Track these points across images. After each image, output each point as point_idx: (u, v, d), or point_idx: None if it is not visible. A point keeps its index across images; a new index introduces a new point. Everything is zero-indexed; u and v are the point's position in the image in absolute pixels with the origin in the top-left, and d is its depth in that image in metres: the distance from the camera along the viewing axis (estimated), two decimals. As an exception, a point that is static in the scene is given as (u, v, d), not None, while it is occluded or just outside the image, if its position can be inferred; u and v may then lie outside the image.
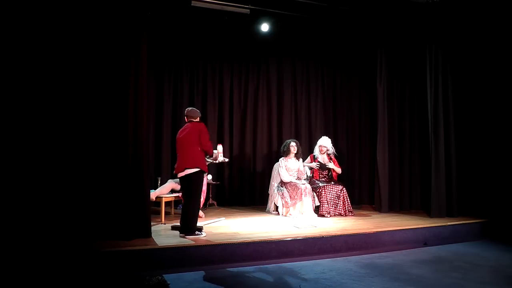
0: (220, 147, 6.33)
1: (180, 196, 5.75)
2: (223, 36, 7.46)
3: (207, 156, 5.30)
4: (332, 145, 7.06)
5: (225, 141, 7.60)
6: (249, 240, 4.72)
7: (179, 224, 5.03)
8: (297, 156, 6.78)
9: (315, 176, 6.91)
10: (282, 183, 6.67)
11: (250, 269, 4.35)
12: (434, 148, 6.40)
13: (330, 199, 6.46)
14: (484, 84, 6.47)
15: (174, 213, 6.39)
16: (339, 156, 7.39)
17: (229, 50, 7.63)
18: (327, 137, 7.03)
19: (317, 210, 6.50)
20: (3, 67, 4.28)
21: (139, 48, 4.83)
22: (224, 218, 6.15)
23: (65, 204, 4.43)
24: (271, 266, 4.46)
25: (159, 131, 7.23)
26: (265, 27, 6.99)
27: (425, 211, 6.78)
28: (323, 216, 6.34)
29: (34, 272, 3.82)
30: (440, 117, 6.42)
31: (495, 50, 6.31)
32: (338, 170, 6.95)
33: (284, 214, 6.45)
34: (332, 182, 6.76)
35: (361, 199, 7.91)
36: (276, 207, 6.66)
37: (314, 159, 6.99)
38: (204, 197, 6.40)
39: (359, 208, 7.27)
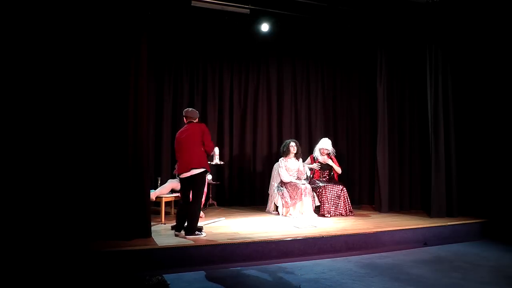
0: (216, 149, 6.34)
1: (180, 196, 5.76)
2: (223, 36, 7.46)
3: None
4: (332, 147, 7.05)
5: (225, 141, 7.61)
6: (249, 240, 4.72)
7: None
8: (296, 156, 6.78)
9: (316, 176, 6.91)
10: (282, 183, 6.67)
11: (250, 269, 4.35)
12: (434, 148, 6.39)
13: (331, 199, 6.47)
14: (484, 84, 6.47)
15: (174, 213, 6.38)
16: (339, 156, 7.40)
17: (229, 50, 7.63)
18: (327, 139, 7.01)
19: (317, 210, 6.51)
20: (3, 67, 4.28)
21: (139, 48, 4.83)
22: (224, 218, 6.16)
23: (65, 204, 4.43)
24: (271, 266, 4.46)
25: (159, 131, 7.23)
26: (265, 27, 6.99)
27: (425, 211, 6.78)
28: (323, 215, 6.35)
29: (34, 272, 3.82)
30: (440, 117, 6.41)
31: (495, 50, 6.31)
32: (338, 169, 6.94)
33: (284, 214, 6.45)
34: (333, 182, 6.76)
35: (361, 199, 7.91)
36: (276, 207, 6.66)
37: (314, 160, 6.99)
38: (205, 197, 6.41)
39: (359, 208, 7.27)
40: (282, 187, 6.63)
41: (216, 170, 7.40)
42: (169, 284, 3.78)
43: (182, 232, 4.92)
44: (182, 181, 5.02)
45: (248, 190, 7.63)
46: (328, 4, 6.34)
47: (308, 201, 6.34)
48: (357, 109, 8.15)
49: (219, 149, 7.53)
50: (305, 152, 7.43)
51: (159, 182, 6.37)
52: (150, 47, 5.18)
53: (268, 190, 7.06)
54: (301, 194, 6.31)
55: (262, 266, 4.45)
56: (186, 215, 4.94)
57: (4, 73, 4.29)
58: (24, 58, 4.37)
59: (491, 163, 6.33)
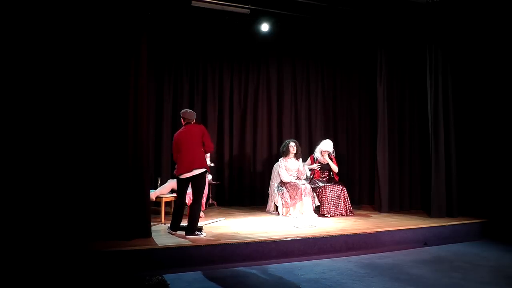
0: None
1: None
2: (223, 36, 7.46)
3: None
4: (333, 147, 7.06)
5: (225, 141, 7.61)
6: (249, 240, 4.72)
7: (180, 224, 5.09)
8: (296, 156, 6.78)
9: (316, 176, 6.91)
10: (282, 183, 6.67)
11: (250, 269, 4.35)
12: (434, 148, 6.40)
13: (331, 199, 6.47)
14: (484, 84, 6.47)
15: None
16: (340, 156, 7.40)
17: (229, 50, 7.63)
18: (329, 141, 6.99)
19: (317, 210, 6.51)
20: (3, 67, 4.28)
21: (139, 48, 4.83)
22: (224, 218, 6.16)
23: (65, 204, 4.43)
24: (271, 266, 4.46)
25: (159, 131, 7.23)
26: (265, 27, 6.99)
27: (425, 211, 6.78)
28: (323, 215, 6.35)
29: (34, 272, 3.82)
30: (440, 117, 6.41)
31: (495, 50, 6.31)
32: (335, 168, 6.92)
33: (284, 214, 6.45)
34: (333, 182, 6.77)
35: (361, 199, 7.91)
36: (276, 207, 6.66)
37: (314, 160, 6.99)
38: (205, 197, 6.42)
39: (359, 208, 7.27)
40: (282, 187, 6.63)
41: (216, 170, 7.40)
42: (169, 284, 3.78)
43: (181, 232, 4.93)
44: (181, 181, 5.02)
45: (248, 190, 7.63)
46: (328, 4, 6.34)
47: (308, 201, 6.34)
48: (357, 109, 8.15)
49: (218, 149, 7.56)
50: (305, 152, 7.43)
51: (159, 182, 6.37)
52: (150, 47, 5.18)
53: (268, 190, 7.06)
54: (301, 194, 6.31)
55: (262, 266, 4.45)
56: (182, 214, 5.01)
57: (5, 73, 4.29)
58: (25, 58, 4.37)
59: (491, 163, 6.33)
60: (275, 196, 6.69)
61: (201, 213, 6.18)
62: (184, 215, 5.11)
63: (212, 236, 4.88)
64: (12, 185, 4.23)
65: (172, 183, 6.06)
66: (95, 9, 4.67)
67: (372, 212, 6.91)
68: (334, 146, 7.13)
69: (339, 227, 5.58)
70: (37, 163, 4.36)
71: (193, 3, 6.10)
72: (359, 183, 7.98)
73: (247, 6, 6.35)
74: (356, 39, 7.64)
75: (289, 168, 6.71)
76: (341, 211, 6.47)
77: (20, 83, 4.35)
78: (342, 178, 7.28)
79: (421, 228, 5.66)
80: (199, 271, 4.22)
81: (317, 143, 7.20)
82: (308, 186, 6.49)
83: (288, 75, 7.95)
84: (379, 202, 6.88)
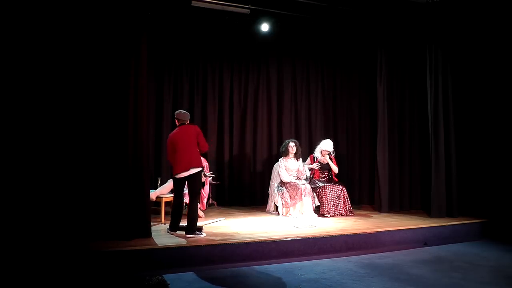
0: (205, 164, 6.46)
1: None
2: (223, 36, 7.46)
3: None
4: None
5: (225, 141, 7.61)
6: (249, 240, 4.72)
7: (180, 224, 5.11)
8: (296, 156, 6.78)
9: (316, 176, 6.91)
10: (282, 183, 6.67)
11: (250, 269, 4.35)
12: (434, 148, 6.39)
13: (331, 199, 6.47)
14: (484, 84, 6.47)
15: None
16: (340, 156, 7.40)
17: (229, 50, 7.62)
18: (329, 141, 6.99)
19: (317, 210, 6.51)
20: (3, 67, 4.28)
21: (139, 48, 4.83)
22: (224, 218, 6.16)
23: (65, 204, 4.42)
24: (271, 266, 4.46)
25: (159, 131, 7.23)
26: (265, 27, 6.99)
27: (425, 211, 6.78)
28: (323, 215, 6.35)
29: (34, 272, 3.82)
30: (440, 117, 6.41)
31: (495, 50, 6.31)
32: (335, 168, 6.93)
33: (284, 214, 6.45)
34: (332, 182, 6.77)
35: (361, 199, 7.91)
36: (276, 207, 6.66)
37: (314, 160, 6.98)
38: (206, 197, 6.43)
39: (359, 208, 7.27)
40: (282, 187, 6.63)
41: (216, 170, 7.40)
42: (169, 284, 3.78)
43: (180, 232, 4.94)
44: (178, 180, 5.04)
45: (248, 190, 7.63)
46: (328, 4, 6.34)
47: (308, 201, 6.34)
48: (357, 109, 8.15)
49: (218, 149, 7.55)
50: (305, 152, 7.43)
51: (159, 182, 6.37)
52: (150, 47, 5.18)
53: (268, 190, 7.06)
54: (301, 194, 6.31)
55: (262, 266, 4.45)
56: (181, 214, 5.06)
57: (5, 73, 4.29)
58: (25, 58, 4.36)
59: (491, 163, 6.33)
60: (275, 196, 6.69)
61: (201, 213, 6.21)
62: (183, 214, 5.13)
63: (212, 236, 4.88)
64: (13, 185, 4.23)
65: (172, 183, 6.06)
66: (95, 9, 4.67)
67: (372, 212, 6.91)
68: (334, 146, 7.13)
69: (339, 227, 5.58)
70: (38, 163, 4.36)
71: (193, 3, 6.10)
72: (359, 183, 7.98)
73: (247, 6, 6.35)
74: (356, 39, 7.64)
75: (289, 168, 6.71)
76: (341, 211, 6.47)
77: (21, 83, 4.35)
78: (342, 178, 7.28)
79: (421, 228, 5.66)
80: (199, 271, 4.22)
81: (317, 143, 7.20)
82: (308, 186, 6.49)
83: (288, 75, 7.95)
84: (379, 202, 6.88)
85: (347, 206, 6.53)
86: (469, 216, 6.31)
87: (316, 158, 6.96)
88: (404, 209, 7.09)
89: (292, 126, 7.95)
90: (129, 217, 4.64)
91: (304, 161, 7.02)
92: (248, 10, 6.41)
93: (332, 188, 6.54)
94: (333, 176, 6.96)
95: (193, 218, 4.91)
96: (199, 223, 5.19)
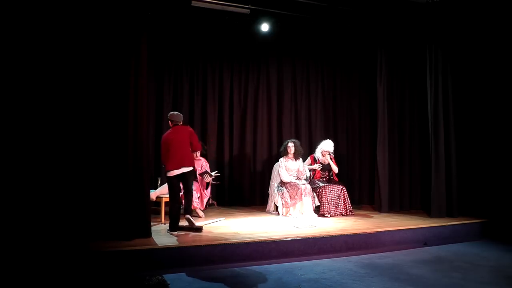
0: (206, 165, 6.51)
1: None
2: (223, 36, 7.46)
3: None
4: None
5: (225, 141, 7.61)
6: (249, 240, 4.72)
7: (180, 224, 5.14)
8: (295, 156, 6.77)
9: (316, 176, 6.91)
10: (282, 183, 6.67)
11: (250, 269, 4.35)
12: (434, 148, 6.39)
13: (331, 199, 6.47)
14: (484, 84, 6.47)
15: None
16: (339, 156, 7.39)
17: (229, 50, 7.62)
18: (330, 141, 6.99)
19: (317, 210, 6.51)
20: (3, 67, 4.28)
21: (139, 48, 4.83)
22: (224, 218, 6.16)
23: (65, 204, 4.42)
24: (271, 266, 4.46)
25: (159, 131, 7.22)
26: (265, 27, 6.99)
27: (425, 211, 6.78)
28: (323, 215, 6.35)
29: (34, 272, 3.82)
30: (440, 117, 6.41)
31: (495, 50, 6.31)
32: (335, 168, 6.93)
33: (284, 214, 6.45)
34: (333, 182, 6.76)
35: (361, 199, 7.91)
36: (276, 207, 6.66)
37: (314, 160, 6.98)
38: (207, 197, 6.44)
39: (359, 208, 7.27)
40: (282, 187, 6.63)
41: (216, 170, 7.38)
42: (169, 284, 3.78)
43: (180, 232, 4.99)
44: (172, 179, 5.10)
45: (248, 190, 7.63)
46: (328, 4, 6.34)
47: (308, 201, 6.34)
48: (357, 109, 8.15)
49: (218, 149, 7.54)
50: (305, 152, 7.42)
51: (159, 182, 6.37)
52: (150, 47, 5.18)
53: (268, 190, 7.06)
54: (301, 194, 6.31)
55: (262, 266, 4.45)
56: (179, 214, 5.15)
57: (5, 73, 4.29)
58: (25, 58, 4.36)
59: (491, 163, 6.33)
60: (275, 196, 6.69)
61: (201, 213, 6.21)
62: (183, 214, 5.15)
63: (212, 236, 4.88)
64: (13, 185, 4.23)
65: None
66: (95, 9, 4.67)
67: (372, 212, 6.91)
68: (334, 146, 7.12)
69: (339, 227, 5.58)
70: (38, 163, 4.36)
71: (193, 3, 6.10)
72: (359, 183, 7.98)
73: (247, 6, 6.35)
74: (356, 39, 7.64)
75: (289, 168, 6.71)
76: (341, 211, 6.47)
77: (21, 84, 4.35)
78: (342, 178, 7.28)
79: (421, 228, 5.66)
80: (199, 271, 4.22)
81: (317, 143, 7.20)
82: (308, 186, 6.49)
83: (288, 75, 7.95)
84: (379, 202, 6.88)
85: (347, 206, 6.53)
86: (469, 216, 6.31)
87: (317, 159, 6.96)
88: (404, 209, 7.09)
89: (292, 126, 7.95)
90: (129, 217, 4.64)
91: (304, 161, 7.02)
92: (248, 10, 6.41)
93: (332, 188, 6.54)
94: (334, 176, 6.96)
95: (175, 216, 5.12)
96: (199, 223, 5.20)
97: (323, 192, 6.48)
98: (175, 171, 5.03)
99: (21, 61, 4.35)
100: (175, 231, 5.03)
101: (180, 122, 5.28)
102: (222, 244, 4.56)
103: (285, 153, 6.77)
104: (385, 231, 5.36)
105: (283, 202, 6.48)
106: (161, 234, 5.02)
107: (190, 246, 4.50)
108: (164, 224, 5.59)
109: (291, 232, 5.17)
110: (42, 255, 3.99)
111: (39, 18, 4.42)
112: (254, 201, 7.61)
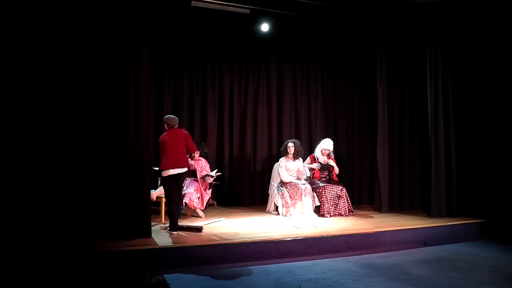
0: (207, 166, 6.58)
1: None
2: (223, 36, 7.46)
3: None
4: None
5: (225, 141, 7.61)
6: (249, 240, 4.72)
7: (180, 224, 5.17)
8: (295, 156, 6.77)
9: (316, 176, 6.91)
10: (282, 183, 6.67)
11: (250, 269, 4.35)
12: (434, 148, 6.40)
13: (330, 199, 6.47)
14: (484, 84, 6.47)
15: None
16: (340, 156, 7.39)
17: (229, 50, 7.62)
18: (330, 140, 6.99)
19: (317, 210, 6.50)
20: (3, 67, 4.28)
21: (139, 48, 4.83)
22: (224, 218, 6.16)
23: (65, 204, 4.43)
24: (271, 266, 4.46)
25: (159, 131, 7.22)
26: (265, 27, 6.99)
27: (425, 211, 6.78)
28: (323, 216, 6.35)
29: (34, 272, 3.82)
30: (440, 117, 6.41)
31: (495, 50, 6.31)
32: (337, 168, 6.93)
33: (284, 214, 6.45)
34: (332, 182, 6.76)
35: (361, 199, 7.91)
36: (276, 207, 6.66)
37: (314, 159, 6.98)
38: (208, 197, 6.44)
39: (359, 208, 7.27)
40: (282, 187, 6.63)
41: (216, 170, 7.38)
42: (169, 284, 3.78)
43: (181, 232, 4.98)
44: (168, 180, 5.17)
45: (248, 190, 7.63)
46: (328, 4, 6.34)
47: (308, 201, 6.34)
48: (357, 109, 8.14)
49: (218, 149, 7.54)
50: (305, 152, 7.42)
51: (159, 182, 6.36)
52: (150, 47, 5.17)
53: (268, 190, 7.06)
54: (301, 194, 6.31)
55: (262, 266, 4.45)
56: (178, 214, 5.24)
57: (4, 73, 4.29)
58: (25, 58, 4.36)
59: (491, 163, 6.33)
60: (275, 196, 6.69)
61: (201, 213, 6.21)
62: (183, 214, 5.17)
63: (212, 236, 4.88)
64: (13, 185, 4.23)
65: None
66: (95, 9, 4.67)
67: (372, 212, 6.91)
68: (334, 146, 7.13)
69: (339, 227, 5.58)
70: (38, 163, 4.36)
71: (193, 3, 6.10)
72: (359, 183, 7.98)
73: (247, 6, 6.35)
74: (356, 39, 7.64)
75: (289, 168, 6.71)
76: (340, 211, 6.47)
77: (21, 84, 4.35)
78: (342, 178, 7.28)
79: (421, 228, 5.67)
80: (199, 271, 4.22)
81: (317, 143, 7.20)
82: (308, 186, 6.49)
83: (288, 75, 7.95)
84: (379, 202, 6.88)
85: (347, 206, 6.53)
86: (469, 216, 6.31)
87: (317, 158, 6.95)
88: (404, 209, 7.09)
89: (292, 126, 7.95)
90: (129, 217, 4.64)
91: (304, 161, 7.02)
92: (248, 10, 6.41)
93: (332, 188, 6.54)
94: (334, 176, 6.96)
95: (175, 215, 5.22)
96: (199, 223, 5.20)
97: (323, 192, 6.48)
98: (170, 170, 5.13)
99: (21, 61, 4.36)
100: (175, 231, 5.04)
101: (176, 125, 5.40)
102: (222, 244, 4.56)
103: (285, 153, 6.78)
104: (385, 231, 5.36)
105: (283, 202, 6.48)
106: (161, 234, 5.02)
107: (190, 246, 4.50)
108: (164, 224, 5.59)
109: (291, 232, 5.17)
110: (42, 255, 3.99)
111: (39, 18, 4.42)
112: (254, 201, 7.61)
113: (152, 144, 6.92)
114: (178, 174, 5.20)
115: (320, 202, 6.50)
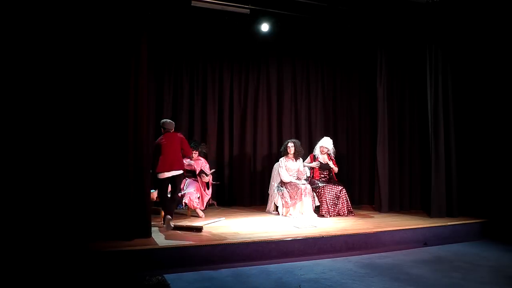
0: (206, 166, 6.61)
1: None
2: (223, 36, 7.46)
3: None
4: (333, 146, 7.06)
5: (225, 141, 7.61)
6: (249, 240, 4.72)
7: (180, 224, 5.22)
8: (295, 156, 6.77)
9: (315, 176, 6.91)
10: (282, 183, 6.67)
11: (250, 269, 4.35)
12: (434, 148, 6.40)
13: (330, 199, 6.46)
14: (484, 84, 6.47)
15: (174, 213, 6.38)
16: (339, 156, 7.39)
17: (229, 50, 7.62)
18: (328, 138, 7.01)
19: (317, 210, 6.50)
20: (3, 67, 4.28)
21: (139, 48, 4.83)
22: (224, 218, 6.15)
23: (65, 204, 4.43)
24: (271, 266, 4.46)
25: (159, 131, 7.21)
26: (265, 27, 6.99)
27: (425, 211, 6.78)
28: (323, 216, 6.35)
29: (34, 272, 3.82)
30: (440, 117, 6.41)
31: (495, 50, 6.31)
32: (335, 168, 6.93)
33: (284, 214, 6.45)
34: (332, 182, 6.76)
35: (361, 199, 7.91)
36: (276, 207, 6.66)
37: (314, 158, 6.98)
38: (208, 197, 6.44)
39: (359, 208, 7.27)
40: (282, 187, 6.63)
41: (216, 170, 7.39)
42: (169, 284, 3.78)
43: (179, 231, 5.03)
44: (163, 181, 5.35)
45: (248, 190, 7.63)
46: (328, 4, 6.33)
47: (308, 201, 6.34)
48: (357, 109, 8.14)
49: (218, 149, 7.54)
50: (305, 152, 7.42)
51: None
52: (150, 47, 5.17)
53: (268, 190, 7.06)
54: (301, 194, 6.31)
55: (262, 266, 4.45)
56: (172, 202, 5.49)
57: (4, 73, 4.29)
58: (25, 58, 4.36)
59: (491, 163, 6.33)
60: (275, 196, 6.69)
61: (201, 213, 6.21)
62: (183, 214, 5.20)
63: (212, 236, 4.88)
64: (13, 185, 4.23)
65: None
66: (95, 9, 4.67)
67: (372, 212, 6.91)
68: (334, 146, 7.13)
69: (339, 227, 5.58)
70: (38, 163, 4.36)
71: (193, 3, 6.10)
72: (359, 183, 7.98)
73: (247, 6, 6.35)
74: (356, 39, 7.64)
75: (289, 168, 6.71)
76: (340, 211, 6.47)
77: (21, 84, 4.35)
78: (342, 178, 7.28)
79: (421, 228, 5.67)
80: (199, 271, 4.22)
81: (316, 143, 7.20)
82: (308, 186, 6.49)
83: (288, 75, 7.95)
84: (379, 202, 6.88)
85: (346, 206, 6.53)
86: (469, 216, 6.31)
87: (317, 157, 6.95)
88: (404, 209, 7.09)
89: (292, 126, 7.95)
90: (129, 217, 4.65)
91: (304, 160, 7.02)
92: (248, 10, 6.41)
93: (332, 188, 6.54)
94: (334, 176, 6.96)
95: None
96: (199, 223, 5.20)
97: (323, 192, 6.48)
98: (165, 173, 5.34)
99: (21, 61, 4.36)
100: (171, 214, 5.30)
101: (172, 129, 5.60)
102: (222, 244, 4.56)
103: (285, 153, 6.78)
104: (385, 231, 5.36)
105: (283, 202, 6.48)
106: (161, 234, 5.01)
107: (190, 246, 4.50)
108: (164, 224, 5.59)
109: (291, 232, 5.17)
110: (42, 255, 3.99)
111: (40, 18, 4.42)
112: (254, 201, 7.61)
113: (152, 145, 6.93)
114: (174, 176, 5.40)
115: (320, 202, 6.50)
